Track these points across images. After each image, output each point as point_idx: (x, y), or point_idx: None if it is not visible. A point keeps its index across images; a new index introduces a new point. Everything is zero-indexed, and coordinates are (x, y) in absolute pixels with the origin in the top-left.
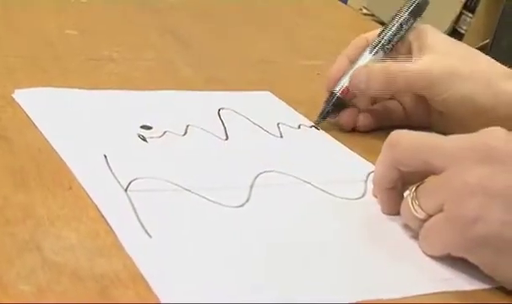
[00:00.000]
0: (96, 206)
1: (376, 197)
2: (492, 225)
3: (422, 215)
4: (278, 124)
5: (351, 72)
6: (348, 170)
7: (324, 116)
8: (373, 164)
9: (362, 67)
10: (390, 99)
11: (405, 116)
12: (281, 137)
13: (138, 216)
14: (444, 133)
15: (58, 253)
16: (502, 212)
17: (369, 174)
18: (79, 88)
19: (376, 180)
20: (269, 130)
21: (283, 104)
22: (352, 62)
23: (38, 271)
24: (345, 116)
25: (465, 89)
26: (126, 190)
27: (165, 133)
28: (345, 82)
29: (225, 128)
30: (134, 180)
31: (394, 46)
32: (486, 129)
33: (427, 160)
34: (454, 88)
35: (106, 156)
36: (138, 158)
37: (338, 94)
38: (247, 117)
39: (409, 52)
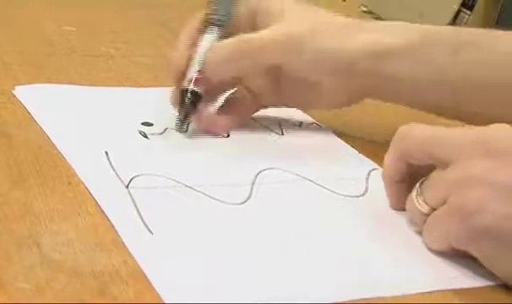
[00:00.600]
0: (96, 201)
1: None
2: (493, 217)
3: (425, 209)
4: (280, 121)
5: (197, 58)
6: (350, 167)
7: (186, 117)
8: (375, 162)
9: (209, 50)
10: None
11: (253, 100)
12: (283, 134)
13: (139, 213)
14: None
15: (57, 250)
16: (504, 205)
17: (370, 171)
18: (78, 84)
19: (384, 172)
20: (271, 127)
21: None
22: (191, 47)
23: (37, 268)
24: (205, 124)
25: (326, 44)
26: (127, 187)
27: (166, 129)
28: (194, 71)
29: None
30: (136, 177)
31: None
32: (492, 125)
33: (433, 152)
34: (313, 46)
35: (107, 153)
36: (140, 155)
37: (192, 87)
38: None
39: (253, 24)
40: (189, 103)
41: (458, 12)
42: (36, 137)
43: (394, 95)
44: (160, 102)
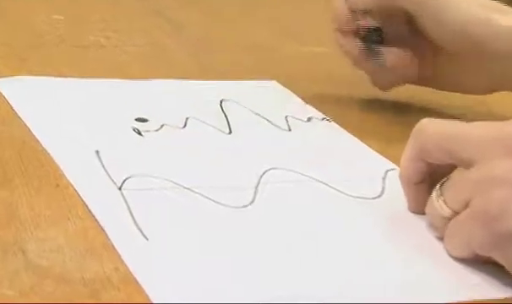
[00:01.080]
0: (85, 204)
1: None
2: None
3: (447, 213)
4: (286, 117)
5: None
6: (364, 167)
7: (374, 54)
8: (392, 161)
9: None
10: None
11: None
12: (290, 130)
13: (133, 217)
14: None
15: (44, 256)
16: None
17: (387, 171)
18: (66, 77)
19: (402, 173)
20: (277, 123)
21: (291, 94)
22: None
23: (22, 274)
24: (393, 57)
25: (459, 13)
26: (120, 188)
27: (162, 126)
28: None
29: (227, 121)
30: (129, 178)
31: None
32: (511, 120)
33: (453, 150)
34: (444, 10)
35: (98, 152)
36: (133, 154)
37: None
38: (252, 109)
39: None
40: (375, 39)
41: None
42: (20, 134)
43: None
44: (155, 96)
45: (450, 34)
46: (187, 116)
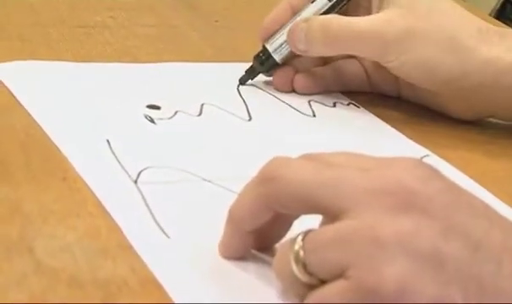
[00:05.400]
0: (96, 199)
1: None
2: (422, 298)
3: (309, 280)
4: (309, 101)
5: (289, 25)
6: (395, 154)
7: (252, 73)
8: (427, 147)
9: (301, 21)
10: (349, 58)
11: (367, 80)
12: (314, 116)
13: (152, 213)
14: (415, 104)
15: (53, 256)
16: (433, 282)
17: (422, 158)
18: (69, 61)
19: (236, 216)
20: (300, 108)
21: None
22: (295, 11)
23: (30, 277)
24: (279, 77)
25: (423, 54)
26: (136, 182)
27: (176, 113)
28: (280, 36)
29: (247, 107)
30: (145, 169)
31: None
32: (397, 158)
33: (320, 201)
34: (410, 52)
35: (108, 141)
36: (147, 143)
37: (271, 53)
38: (273, 94)
39: (367, 3)
40: (262, 62)
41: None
42: (23, 123)
43: None
44: (167, 80)
45: (416, 73)
46: (203, 102)
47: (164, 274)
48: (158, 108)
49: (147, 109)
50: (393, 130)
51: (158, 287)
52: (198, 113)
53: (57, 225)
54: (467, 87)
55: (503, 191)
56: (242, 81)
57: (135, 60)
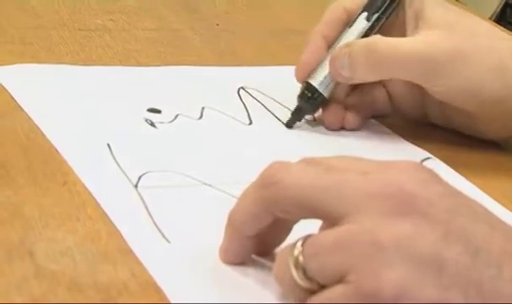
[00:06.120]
0: (97, 203)
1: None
2: (422, 302)
3: (309, 285)
4: None
5: (328, 56)
6: (395, 157)
7: (299, 114)
8: (428, 150)
9: (343, 46)
10: (374, 83)
11: (391, 105)
12: (315, 120)
13: (152, 218)
14: (443, 126)
15: (54, 259)
16: (433, 286)
17: (423, 161)
18: (70, 64)
19: (235, 221)
20: None
21: None
22: (329, 42)
23: (31, 280)
24: (330, 116)
25: (472, 77)
26: (136, 186)
27: (177, 116)
28: (321, 69)
29: (247, 111)
30: (145, 174)
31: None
32: (397, 162)
33: (319, 206)
34: (459, 75)
35: (109, 145)
36: (147, 147)
37: (317, 87)
38: (274, 98)
39: (401, 21)
40: (308, 102)
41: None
42: (23, 127)
43: None
44: (167, 84)
45: (463, 96)
46: (203, 105)
47: (164, 278)
48: (159, 112)
49: (148, 112)
50: (393, 133)
51: (158, 291)
52: (198, 117)
53: (57, 229)
54: (507, 111)
55: (506, 196)
56: (290, 124)
57: (136, 63)
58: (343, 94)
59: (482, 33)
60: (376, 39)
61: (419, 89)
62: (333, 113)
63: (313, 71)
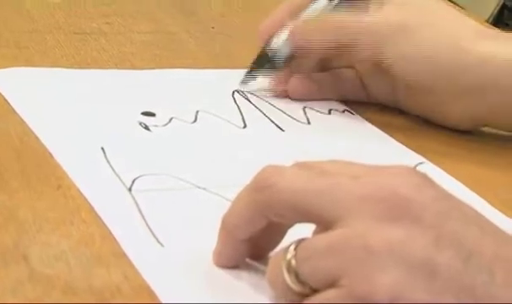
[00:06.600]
0: (91, 207)
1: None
2: None
3: (301, 289)
4: (304, 108)
5: (288, 26)
6: (389, 161)
7: (249, 75)
8: (422, 155)
9: (300, 21)
10: (347, 66)
11: (362, 88)
12: (309, 123)
13: (146, 221)
14: (413, 113)
15: (48, 263)
16: (425, 290)
17: (416, 166)
18: (65, 67)
19: (229, 224)
20: (294, 116)
21: None
22: (294, 15)
23: (25, 284)
24: (275, 79)
25: (418, 49)
26: (130, 189)
27: (171, 119)
28: (280, 37)
29: (241, 114)
30: (139, 177)
31: None
32: (390, 166)
33: (312, 210)
34: (404, 46)
35: (103, 149)
36: (141, 151)
37: (267, 51)
38: (268, 101)
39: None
40: (259, 64)
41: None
42: (17, 130)
43: None
44: (162, 87)
45: (415, 67)
46: (198, 109)
47: (157, 281)
48: (153, 115)
49: (142, 116)
50: (388, 137)
51: (151, 294)
52: (193, 120)
53: (51, 232)
54: (465, 86)
55: (498, 198)
56: (243, 83)
57: (131, 66)
58: (308, 69)
59: (432, 9)
60: (329, 15)
61: (388, 74)
62: (277, 78)
63: (272, 38)
